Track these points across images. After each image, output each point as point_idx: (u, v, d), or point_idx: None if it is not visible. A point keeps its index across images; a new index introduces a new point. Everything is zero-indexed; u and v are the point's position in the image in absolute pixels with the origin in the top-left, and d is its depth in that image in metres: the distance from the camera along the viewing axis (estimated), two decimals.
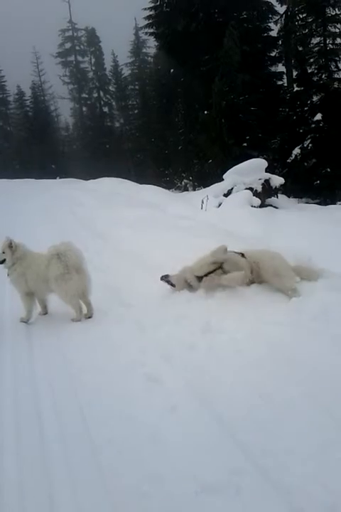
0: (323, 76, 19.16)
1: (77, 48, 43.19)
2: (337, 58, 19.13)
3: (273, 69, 22.90)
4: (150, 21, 22.29)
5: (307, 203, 16.03)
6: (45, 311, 4.99)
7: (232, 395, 2.97)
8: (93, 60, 42.64)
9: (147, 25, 22.63)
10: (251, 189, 11.27)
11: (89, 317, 4.70)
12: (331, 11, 18.73)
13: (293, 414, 2.71)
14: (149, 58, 40.71)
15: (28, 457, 2.63)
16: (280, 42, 22.61)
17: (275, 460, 2.35)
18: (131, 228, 8.50)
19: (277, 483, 2.21)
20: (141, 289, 5.26)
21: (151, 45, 36.92)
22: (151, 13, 22.04)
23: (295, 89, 21.35)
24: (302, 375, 3.08)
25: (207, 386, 3.11)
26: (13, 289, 4.89)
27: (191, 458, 2.45)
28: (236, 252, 4.89)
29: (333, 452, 2.36)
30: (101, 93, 42.71)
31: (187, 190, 22.55)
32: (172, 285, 4.93)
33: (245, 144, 18.91)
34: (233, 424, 2.68)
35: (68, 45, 43.03)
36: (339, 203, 16.24)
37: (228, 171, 12.36)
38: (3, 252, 4.77)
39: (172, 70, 23.64)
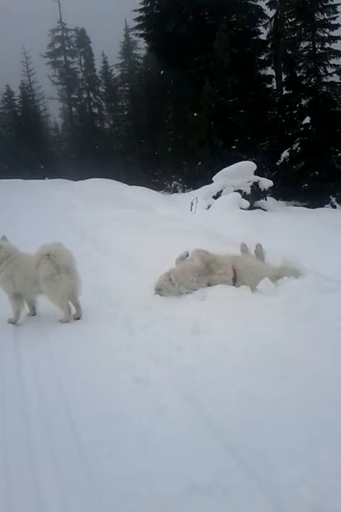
0: (312, 80, 19.35)
1: (67, 48, 42.87)
2: (325, 62, 19.32)
3: (262, 72, 23.07)
4: (140, 23, 22.28)
5: (295, 205, 16.16)
6: (33, 312, 4.95)
7: (221, 395, 2.98)
8: (83, 61, 42.39)
9: (137, 27, 22.63)
10: (240, 191, 11.33)
11: (78, 318, 4.67)
12: (320, 16, 18.93)
13: (281, 414, 2.72)
14: (139, 60, 40.63)
15: (15, 458, 2.61)
16: (269, 45, 22.80)
17: (263, 460, 2.37)
18: (120, 229, 8.49)
19: (264, 483, 2.22)
20: (130, 289, 5.26)
21: (141, 47, 36.88)
22: (142, 14, 22.05)
23: (284, 92, 21.56)
24: (291, 375, 3.11)
25: (195, 387, 3.12)
26: (1, 291, 4.84)
27: (180, 458, 2.46)
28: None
29: (321, 452, 2.37)
30: (91, 94, 42.49)
31: (177, 192, 22.58)
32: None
33: (234, 147, 19.01)
34: (221, 425, 2.69)
35: (58, 45, 42.71)
36: (327, 205, 16.45)
37: (217, 174, 12.41)
38: None
39: (162, 72, 23.65)
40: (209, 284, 4.82)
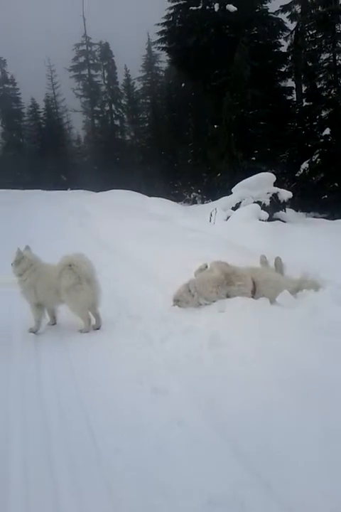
0: (332, 91, 19.19)
1: (91, 61, 43.74)
2: None
3: (282, 84, 23.00)
4: (162, 36, 22.54)
5: (315, 217, 15.96)
6: (53, 322, 5.03)
7: (239, 408, 2.98)
8: (106, 74, 43.15)
9: (159, 41, 22.90)
10: (259, 203, 11.28)
11: (98, 328, 4.73)
12: (340, 28, 18.84)
13: (299, 429, 2.70)
14: (161, 73, 41.21)
15: (34, 467, 2.64)
16: (290, 57, 22.75)
17: (279, 473, 2.36)
18: (140, 240, 8.56)
19: (281, 496, 2.21)
20: (149, 300, 5.30)
21: (163, 60, 37.39)
22: (164, 28, 22.32)
23: (304, 104, 21.44)
24: (310, 390, 3.07)
25: (214, 399, 3.12)
26: (23, 299, 4.94)
27: (197, 470, 2.46)
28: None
29: (339, 468, 2.35)
30: (113, 106, 43.15)
31: (196, 203, 22.62)
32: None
33: (254, 158, 18.96)
34: (238, 438, 2.68)
35: (82, 59, 43.60)
36: None
37: (236, 185, 12.39)
38: (14, 263, 4.84)
39: (183, 84, 23.87)
40: (228, 296, 4.82)
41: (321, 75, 19.56)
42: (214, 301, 4.81)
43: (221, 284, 4.84)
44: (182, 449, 2.65)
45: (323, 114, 19.35)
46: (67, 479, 2.51)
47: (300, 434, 2.65)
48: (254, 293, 4.78)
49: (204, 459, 2.55)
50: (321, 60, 19.65)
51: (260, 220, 10.29)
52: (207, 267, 5.25)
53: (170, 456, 2.60)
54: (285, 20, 22.40)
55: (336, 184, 17.63)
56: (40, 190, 25.04)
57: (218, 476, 2.40)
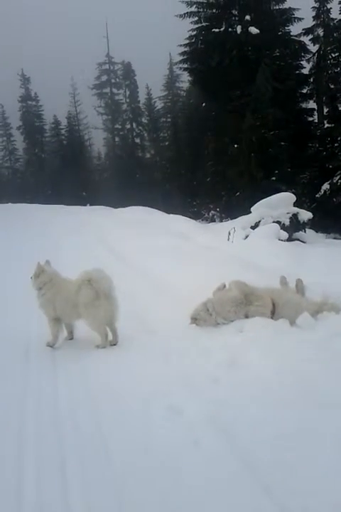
0: None
1: (113, 80, 44.64)
2: None
3: (304, 105, 23.05)
4: (184, 57, 22.85)
5: (335, 238, 15.77)
6: (70, 336, 5.02)
7: (256, 431, 2.90)
8: (127, 93, 43.95)
9: (181, 61, 23.21)
10: (278, 222, 11.19)
11: (114, 344, 4.70)
12: None
13: (319, 455, 2.61)
14: (182, 92, 41.73)
15: (48, 482, 2.62)
16: (311, 79, 22.83)
17: (300, 502, 2.27)
18: (158, 256, 8.56)
19: None
20: (167, 317, 5.27)
21: (184, 80, 37.82)
22: (186, 49, 22.62)
23: (326, 125, 21.38)
24: (330, 415, 2.99)
25: (230, 421, 3.05)
26: (41, 313, 4.96)
27: (214, 496, 2.39)
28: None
29: None
30: (134, 124, 43.83)
31: (214, 221, 22.60)
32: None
33: (274, 178, 18.90)
34: (256, 462, 2.61)
35: (104, 78, 44.52)
36: None
37: (256, 204, 12.34)
38: (33, 277, 4.88)
39: (204, 104, 24.04)
40: (246, 316, 4.76)
41: None
42: (232, 321, 4.75)
43: (239, 304, 4.79)
44: (199, 473, 2.57)
45: None
46: (80, 498, 2.47)
47: (324, 462, 2.57)
48: (273, 314, 4.71)
49: (221, 484, 2.47)
50: None
51: (279, 239, 10.19)
52: (225, 286, 5.20)
53: (186, 479, 2.52)
54: (308, 42, 22.55)
55: None
56: (62, 206, 25.42)
57: (236, 503, 2.32)
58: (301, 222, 11.99)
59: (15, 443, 3.05)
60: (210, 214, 24.32)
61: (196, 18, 21.95)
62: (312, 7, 22.66)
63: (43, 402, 3.62)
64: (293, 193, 13.21)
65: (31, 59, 50.77)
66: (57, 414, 3.38)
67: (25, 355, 4.63)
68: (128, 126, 44.00)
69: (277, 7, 21.45)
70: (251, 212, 12.40)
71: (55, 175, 42.38)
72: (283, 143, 19.44)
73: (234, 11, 21.53)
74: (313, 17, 22.66)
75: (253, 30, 19.60)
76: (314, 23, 22.73)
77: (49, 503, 2.45)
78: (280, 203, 11.90)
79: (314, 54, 22.58)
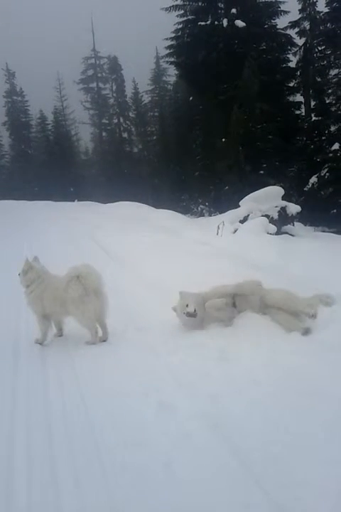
0: None
1: (99, 75, 44.23)
2: None
3: (291, 98, 23.14)
4: (171, 51, 22.78)
5: (323, 231, 15.91)
6: (60, 333, 4.98)
7: (246, 425, 2.92)
8: (114, 87, 43.59)
9: (168, 55, 23.13)
10: (267, 216, 11.25)
11: (104, 341, 4.68)
12: None
13: (308, 447, 2.64)
14: (169, 86, 41.57)
15: (39, 481, 2.60)
16: (298, 73, 22.93)
17: (290, 494, 2.29)
18: (147, 252, 8.54)
19: None
20: (156, 313, 5.25)
21: (171, 74, 37.68)
22: (173, 43, 22.55)
23: (313, 118, 21.53)
24: (319, 407, 3.01)
25: (221, 415, 3.06)
26: (29, 310, 4.91)
27: (205, 489, 2.40)
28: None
29: None
30: (121, 119, 43.54)
31: (203, 215, 22.63)
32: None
33: (262, 172, 19.00)
34: (247, 455, 2.62)
35: (90, 72, 44.10)
36: None
37: (244, 198, 12.39)
38: (21, 273, 4.82)
39: (191, 98, 24.01)
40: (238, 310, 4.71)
41: (330, 91, 19.69)
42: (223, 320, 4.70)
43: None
44: (190, 467, 2.58)
45: (332, 129, 19.45)
46: (72, 496, 2.45)
47: (313, 453, 2.59)
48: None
49: (212, 478, 2.48)
50: (330, 76, 19.82)
51: (268, 233, 10.25)
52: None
53: (178, 474, 2.53)
54: (294, 36, 22.61)
55: None
56: (50, 202, 25.20)
57: (227, 496, 2.33)
58: (290, 215, 12.07)
59: (5, 441, 3.02)
60: (199, 208, 24.34)
61: (182, 11, 21.92)
62: (298, 0, 22.68)
63: (33, 399, 3.59)
64: (281, 186, 13.28)
65: (16, 53, 50.13)
66: (47, 412, 3.36)
67: (13, 353, 4.58)
68: (116, 121, 43.70)
69: (263, 0, 21.46)
70: (239, 206, 12.44)
71: (42, 171, 41.95)
72: (270, 136, 19.54)
73: (220, 4, 21.52)
74: (299, 10, 22.67)
75: (240, 23, 19.59)
76: (300, 16, 22.77)
77: (40, 503, 2.43)
78: (269, 197, 11.96)
79: (300, 47, 22.66)
